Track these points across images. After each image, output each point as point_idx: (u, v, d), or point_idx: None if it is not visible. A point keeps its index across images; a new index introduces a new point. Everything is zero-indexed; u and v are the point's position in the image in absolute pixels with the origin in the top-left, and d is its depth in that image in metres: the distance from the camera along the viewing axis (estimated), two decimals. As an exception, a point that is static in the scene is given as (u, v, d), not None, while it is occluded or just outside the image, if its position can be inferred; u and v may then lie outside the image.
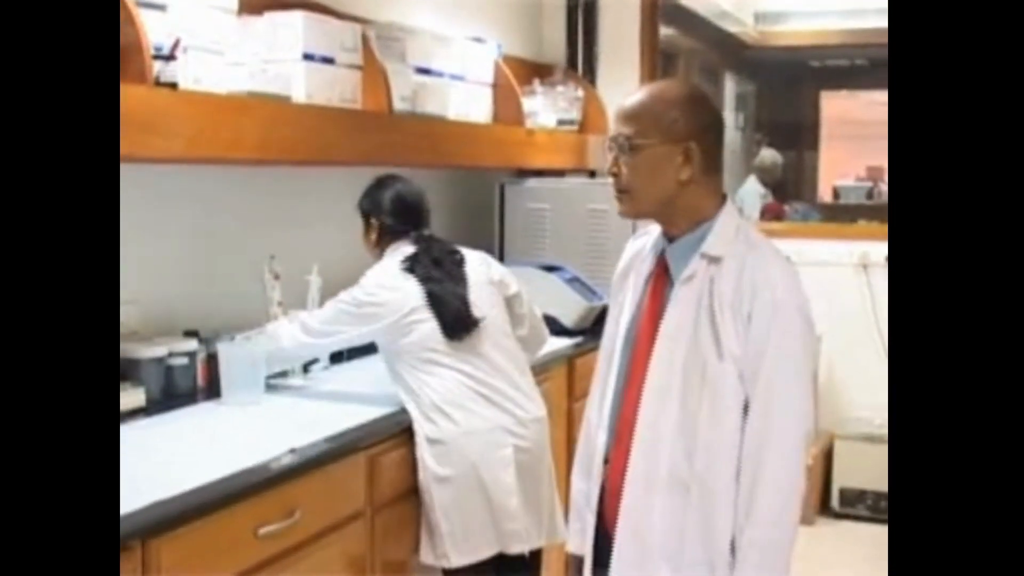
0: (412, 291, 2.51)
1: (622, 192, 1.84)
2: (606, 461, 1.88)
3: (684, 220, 1.83)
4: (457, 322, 2.50)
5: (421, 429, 2.45)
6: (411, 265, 2.55)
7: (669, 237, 1.86)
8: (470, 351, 2.51)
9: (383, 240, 2.67)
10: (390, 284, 2.53)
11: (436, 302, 2.50)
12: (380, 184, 2.71)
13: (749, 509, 1.74)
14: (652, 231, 1.93)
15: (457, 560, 2.43)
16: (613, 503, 1.85)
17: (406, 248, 2.61)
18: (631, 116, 1.81)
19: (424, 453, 2.44)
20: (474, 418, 2.45)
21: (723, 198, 1.85)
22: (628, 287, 1.94)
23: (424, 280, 2.52)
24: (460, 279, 2.59)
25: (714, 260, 1.78)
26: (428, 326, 2.48)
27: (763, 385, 1.74)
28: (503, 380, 2.54)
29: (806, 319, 1.78)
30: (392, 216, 2.65)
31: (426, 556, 2.46)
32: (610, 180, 1.86)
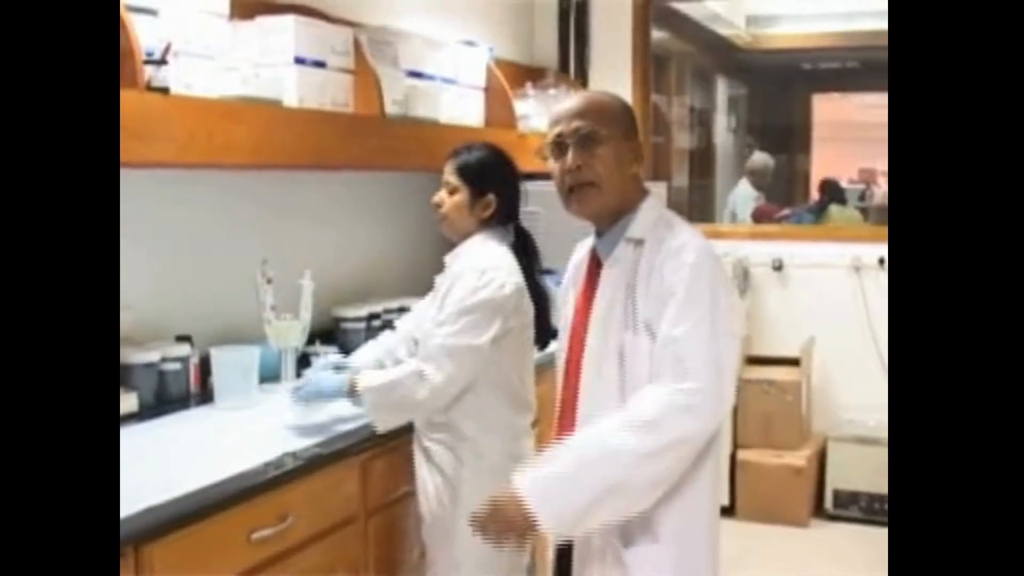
0: (525, 290, 2.39)
1: (587, 185, 1.86)
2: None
3: (617, 213, 1.90)
4: (544, 331, 2.45)
5: (441, 433, 2.37)
6: (519, 258, 2.40)
7: (599, 233, 1.94)
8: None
9: (492, 220, 2.45)
10: (514, 279, 2.35)
11: (540, 306, 2.43)
12: (502, 159, 2.48)
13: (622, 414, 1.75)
14: (588, 241, 2.01)
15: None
16: None
17: (508, 236, 2.46)
18: (585, 112, 1.86)
19: (441, 456, 2.37)
20: (499, 421, 2.39)
21: (646, 192, 1.94)
22: (571, 293, 2.02)
23: (532, 283, 2.41)
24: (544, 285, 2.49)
25: (638, 243, 1.85)
26: (531, 332, 2.42)
27: (662, 338, 1.76)
28: (527, 382, 2.49)
29: (721, 285, 1.80)
30: (512, 199, 2.47)
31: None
32: (554, 182, 1.90)
